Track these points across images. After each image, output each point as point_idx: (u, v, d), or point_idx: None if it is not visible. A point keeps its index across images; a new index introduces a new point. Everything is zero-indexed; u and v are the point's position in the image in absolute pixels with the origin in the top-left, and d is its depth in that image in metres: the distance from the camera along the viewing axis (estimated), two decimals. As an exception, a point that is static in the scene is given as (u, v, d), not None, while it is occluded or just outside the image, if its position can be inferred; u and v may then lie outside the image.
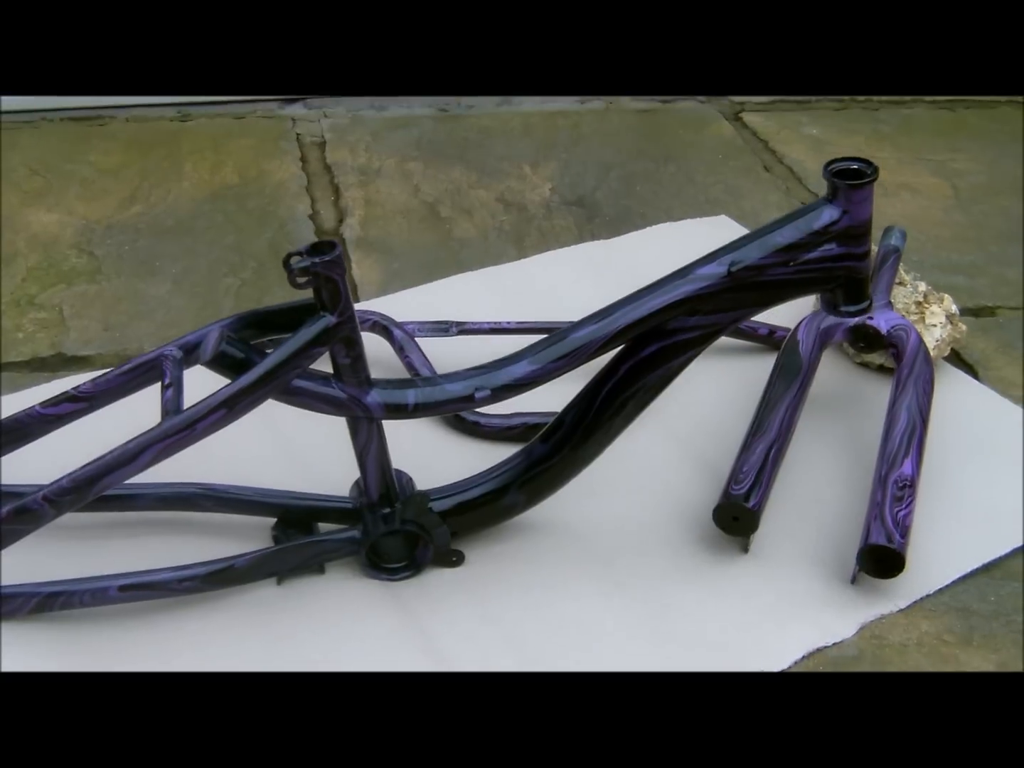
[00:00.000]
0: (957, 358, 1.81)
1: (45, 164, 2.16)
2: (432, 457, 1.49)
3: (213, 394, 1.21)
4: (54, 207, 2.04)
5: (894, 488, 1.40)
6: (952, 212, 2.23)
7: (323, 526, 1.41)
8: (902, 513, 1.38)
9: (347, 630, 1.32)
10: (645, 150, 2.35)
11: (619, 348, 1.34)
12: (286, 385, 1.23)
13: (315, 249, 1.21)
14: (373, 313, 1.67)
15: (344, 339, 1.24)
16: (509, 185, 2.21)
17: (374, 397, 1.28)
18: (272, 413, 1.46)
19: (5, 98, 2.28)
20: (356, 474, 1.38)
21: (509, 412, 1.56)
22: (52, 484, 1.21)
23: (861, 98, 2.64)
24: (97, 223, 2.01)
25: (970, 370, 1.79)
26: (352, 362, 1.26)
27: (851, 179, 1.28)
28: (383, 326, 1.65)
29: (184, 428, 1.20)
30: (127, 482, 1.34)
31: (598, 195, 2.18)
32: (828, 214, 1.29)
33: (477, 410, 1.58)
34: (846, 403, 1.68)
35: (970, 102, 2.65)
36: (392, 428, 1.36)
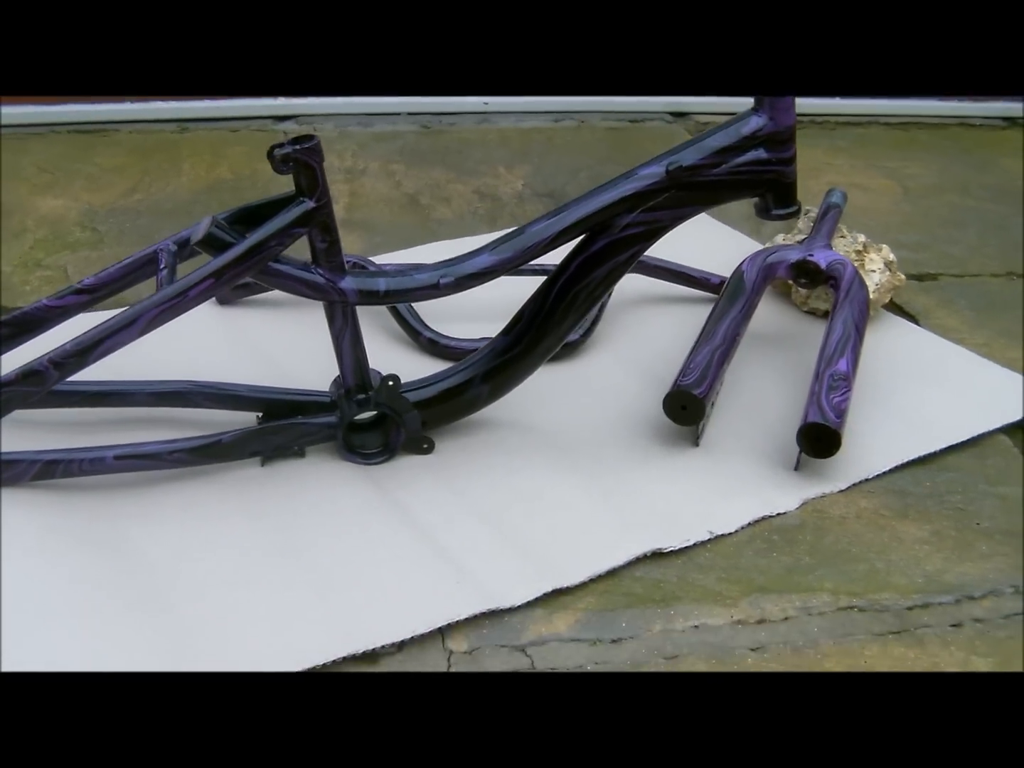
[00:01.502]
0: (900, 311, 1.94)
1: (53, 164, 2.32)
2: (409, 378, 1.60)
3: (202, 266, 1.34)
4: (61, 195, 2.19)
5: (829, 380, 1.53)
6: (901, 204, 2.39)
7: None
8: (837, 399, 1.50)
9: (325, 498, 1.43)
10: (614, 157, 2.50)
11: (571, 245, 1.47)
12: (269, 263, 1.36)
13: (296, 140, 1.35)
14: (352, 256, 1.80)
15: (321, 224, 1.38)
16: (485, 181, 2.36)
17: (349, 283, 1.41)
18: (257, 336, 1.61)
19: (15, 109, 2.44)
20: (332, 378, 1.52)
21: (479, 337, 1.69)
22: (57, 348, 1.33)
23: (819, 118, 2.80)
24: (100, 207, 2.16)
25: (912, 319, 1.92)
26: (328, 246, 1.39)
27: None
28: (361, 266, 1.79)
29: (177, 295, 1.33)
30: (122, 379, 1.48)
31: (568, 188, 2.33)
32: (755, 121, 1.44)
33: (449, 335, 1.71)
34: (793, 338, 1.82)
35: (923, 123, 2.82)
36: (373, 354, 1.49)
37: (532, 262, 1.55)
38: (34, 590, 1.27)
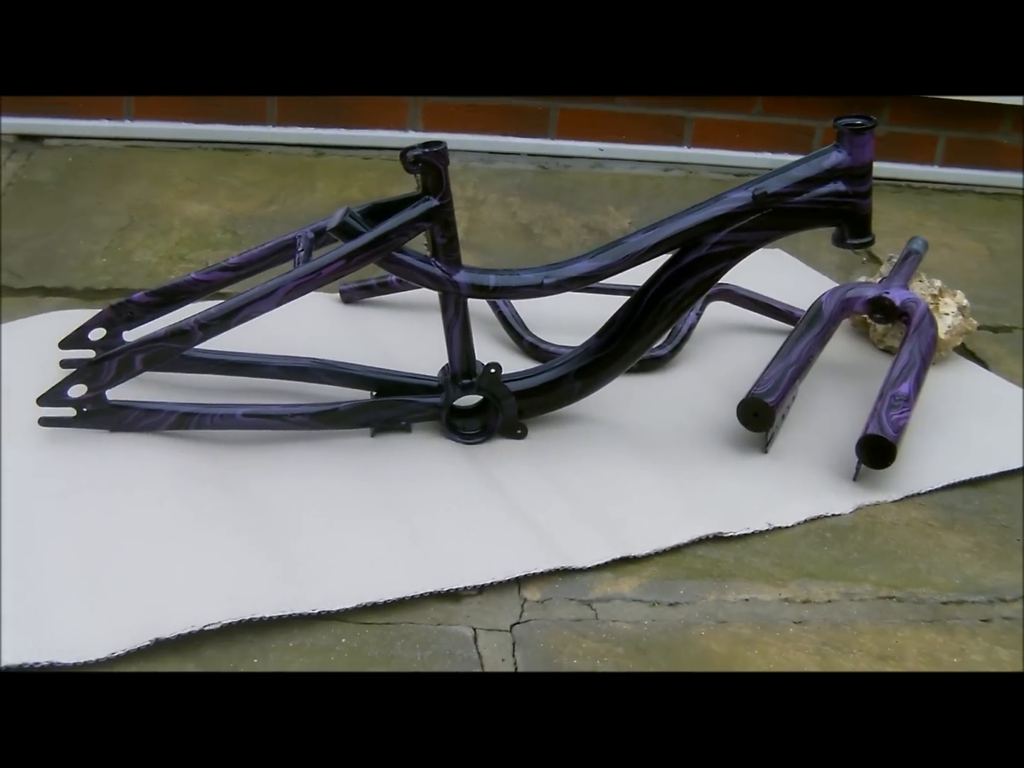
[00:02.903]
0: (972, 356, 2.08)
1: (199, 175, 2.55)
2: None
3: (335, 249, 1.53)
4: (205, 201, 2.42)
5: (891, 399, 1.67)
6: (985, 265, 2.52)
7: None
8: (896, 416, 1.64)
9: (425, 468, 1.61)
10: (717, 204, 2.66)
11: (661, 258, 1.64)
12: (393, 251, 1.54)
13: (426, 144, 1.54)
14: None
15: (443, 221, 1.56)
16: (594, 217, 2.54)
17: (462, 276, 1.59)
18: (376, 331, 1.81)
19: (166, 125, 2.68)
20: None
21: (578, 345, 1.86)
22: (203, 312, 1.53)
23: (916, 184, 2.95)
24: (240, 214, 2.37)
25: (982, 364, 2.05)
26: (447, 242, 1.57)
27: None
28: (475, 274, 1.97)
29: (312, 272, 1.52)
30: (255, 352, 1.67)
31: (671, 228, 2.49)
32: (835, 156, 1.61)
33: (551, 341, 1.88)
34: (866, 370, 1.95)
35: (1017, 194, 2.95)
36: (479, 354, 1.68)
37: (621, 283, 1.73)
38: (160, 517, 1.45)
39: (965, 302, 2.01)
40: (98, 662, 1.24)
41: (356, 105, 2.79)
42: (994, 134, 2.97)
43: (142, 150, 2.68)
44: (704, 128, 2.91)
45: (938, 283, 2.02)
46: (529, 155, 2.87)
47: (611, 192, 2.71)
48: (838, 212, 1.62)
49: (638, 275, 1.68)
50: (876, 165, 2.83)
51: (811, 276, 2.31)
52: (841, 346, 2.01)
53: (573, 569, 1.46)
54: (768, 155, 2.91)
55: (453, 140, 2.77)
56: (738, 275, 1.87)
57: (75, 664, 1.24)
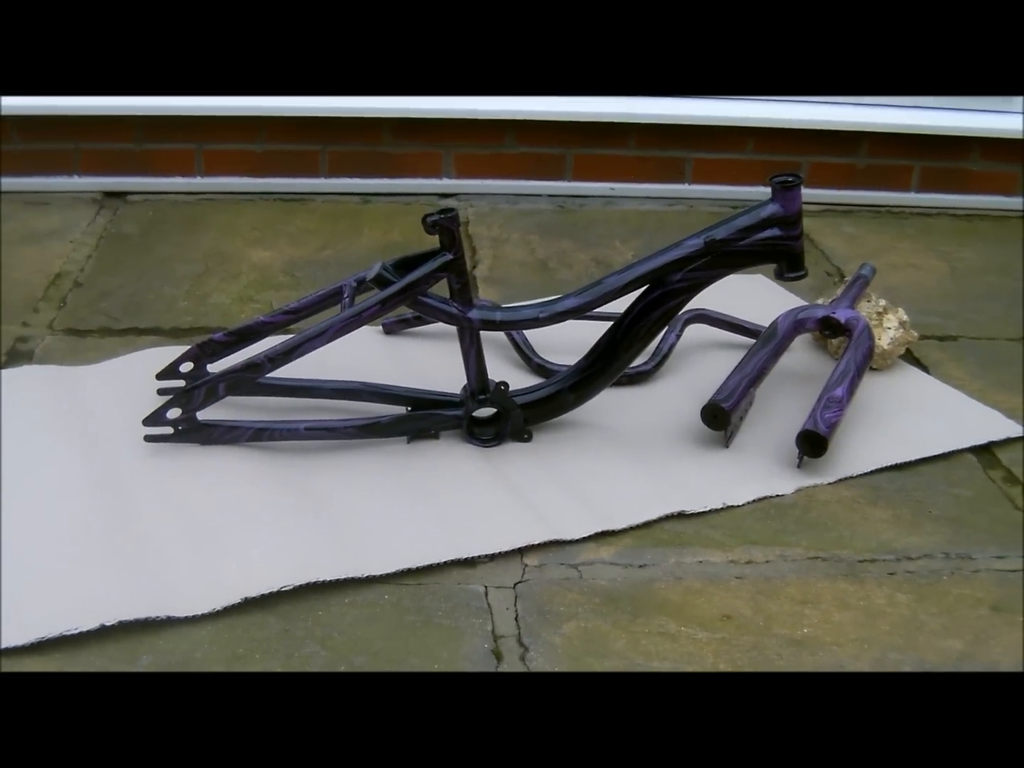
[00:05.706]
0: (916, 362, 2.46)
1: (262, 224, 2.98)
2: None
3: (373, 296, 1.95)
4: (268, 248, 2.85)
5: (826, 401, 2.06)
6: (944, 281, 2.89)
7: (439, 412, 2.12)
8: (829, 415, 2.04)
9: (450, 467, 2.02)
10: (711, 235, 3.05)
11: (635, 293, 2.05)
12: (418, 296, 1.96)
13: (442, 211, 1.96)
14: (485, 300, 2.41)
15: (457, 270, 1.98)
16: (602, 251, 2.95)
17: (475, 313, 2.01)
18: (411, 357, 2.22)
19: (235, 180, 3.13)
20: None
21: (572, 365, 2.27)
22: (270, 348, 1.95)
23: (895, 208, 3.33)
24: (299, 258, 2.80)
25: (923, 368, 2.44)
26: (461, 287, 1.99)
27: None
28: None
29: (355, 315, 1.94)
30: (310, 377, 2.09)
31: (668, 258, 2.90)
32: (770, 207, 2.00)
33: (553, 360, 2.29)
34: (821, 378, 2.33)
35: (986, 215, 3.31)
36: (495, 374, 2.08)
37: (605, 311, 2.13)
38: (244, 508, 1.88)
39: (905, 317, 2.40)
40: (204, 615, 1.66)
41: (397, 156, 3.21)
42: (965, 162, 3.33)
43: (213, 203, 3.12)
44: (702, 166, 3.31)
45: (883, 302, 2.41)
46: (549, 196, 3.28)
47: (620, 227, 3.11)
48: (775, 252, 2.02)
49: (621, 304, 2.08)
50: (857, 194, 3.28)
51: (787, 298, 2.69)
52: (802, 357, 2.41)
53: (564, 541, 1.86)
54: (761, 188, 3.27)
55: (482, 185, 3.23)
56: (724, 299, 2.28)
57: (185, 617, 1.66)
